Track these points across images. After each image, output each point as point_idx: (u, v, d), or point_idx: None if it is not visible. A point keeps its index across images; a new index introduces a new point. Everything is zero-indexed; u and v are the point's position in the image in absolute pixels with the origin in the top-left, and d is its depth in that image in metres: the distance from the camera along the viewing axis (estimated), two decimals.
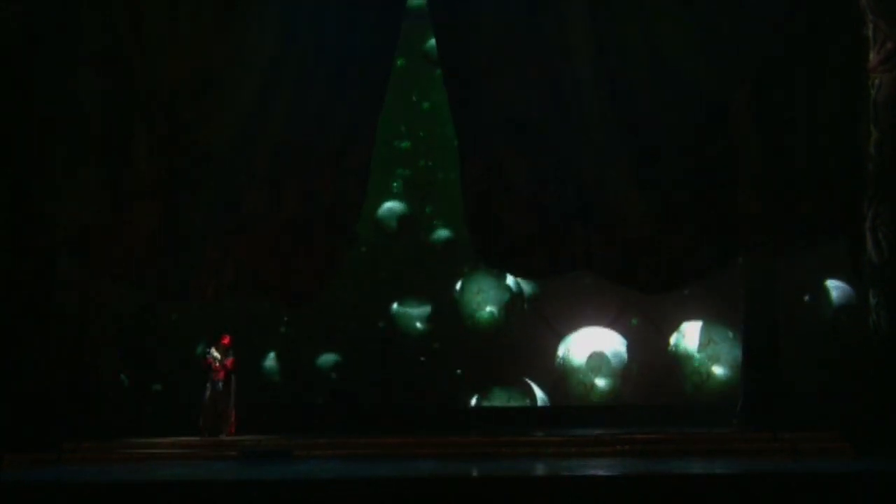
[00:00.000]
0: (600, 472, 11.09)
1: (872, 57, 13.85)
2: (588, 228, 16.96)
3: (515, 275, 18.54)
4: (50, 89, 15.71)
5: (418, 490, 9.94)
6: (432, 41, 18.50)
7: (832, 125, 14.93)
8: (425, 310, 19.54)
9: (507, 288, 19.52)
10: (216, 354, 16.24)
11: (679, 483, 10.08)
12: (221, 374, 16.17)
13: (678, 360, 18.69)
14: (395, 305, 19.56)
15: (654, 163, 16.88)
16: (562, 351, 18.93)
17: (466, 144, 17.66)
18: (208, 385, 16.16)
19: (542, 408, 18.70)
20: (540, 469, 11.69)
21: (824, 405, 14.45)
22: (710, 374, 18.48)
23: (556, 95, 17.48)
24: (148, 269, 16.59)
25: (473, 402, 19.00)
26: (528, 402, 18.92)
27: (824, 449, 13.43)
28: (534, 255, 17.33)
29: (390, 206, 19.78)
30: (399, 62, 18.92)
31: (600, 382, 18.68)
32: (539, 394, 18.86)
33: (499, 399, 18.97)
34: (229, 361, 16.28)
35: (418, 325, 19.50)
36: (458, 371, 19.01)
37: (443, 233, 19.76)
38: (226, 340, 16.42)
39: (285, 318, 19.53)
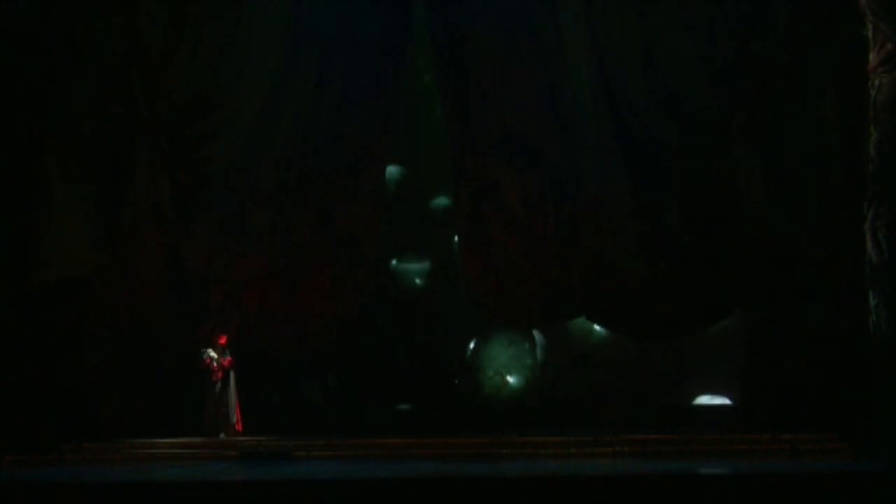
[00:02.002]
0: (600, 472, 11.09)
1: (872, 58, 13.84)
2: (583, 272, 16.92)
3: (511, 324, 18.27)
4: (46, 108, 15.45)
5: (418, 490, 9.94)
6: None
7: (834, 151, 15.03)
8: (425, 265, 19.46)
9: None
10: (213, 354, 16.20)
11: (679, 483, 10.08)
12: (220, 374, 16.14)
13: None
14: (394, 262, 19.45)
15: (652, 183, 16.94)
16: None
17: (461, 163, 17.63)
18: (207, 385, 16.12)
19: (542, 408, 18.67)
20: (540, 469, 11.69)
21: (824, 405, 14.44)
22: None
23: (554, 114, 17.49)
24: (149, 321, 16.51)
25: (472, 345, 18.97)
26: (527, 345, 18.88)
27: (824, 449, 13.45)
28: (527, 287, 17.25)
29: (389, 170, 19.63)
30: None
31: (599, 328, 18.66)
32: (538, 338, 18.88)
33: (499, 344, 18.91)
34: (227, 361, 16.25)
35: (417, 280, 19.42)
36: (456, 381, 18.94)
37: (442, 200, 19.61)
38: (222, 340, 16.37)
39: None
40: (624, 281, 16.98)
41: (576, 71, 17.47)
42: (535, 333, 18.93)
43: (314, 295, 17.67)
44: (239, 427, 16.08)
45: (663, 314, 16.87)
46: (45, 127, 15.45)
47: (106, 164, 16.11)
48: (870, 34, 13.86)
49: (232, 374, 16.23)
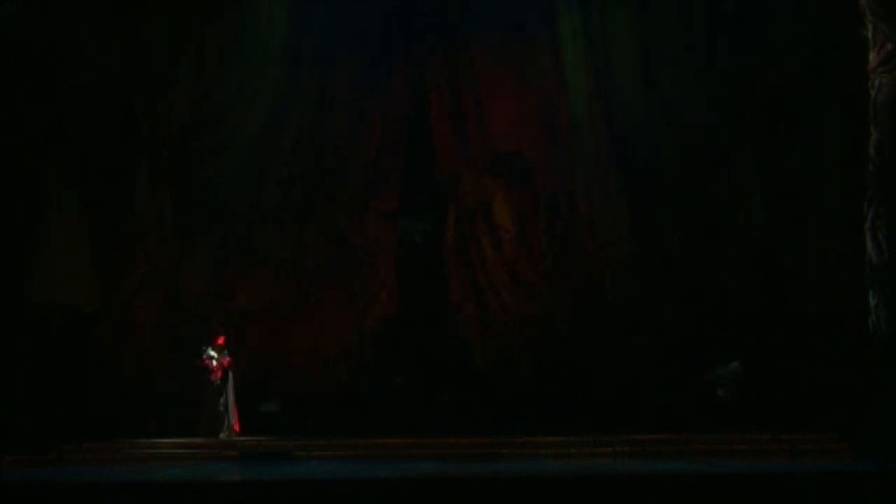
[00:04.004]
0: (600, 472, 11.10)
1: (872, 58, 13.83)
2: (571, 298, 16.76)
3: (488, 356, 17.65)
4: (42, 124, 15.27)
5: (418, 490, 9.93)
6: None
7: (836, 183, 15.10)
8: (426, 225, 19.35)
9: None
10: (213, 354, 16.19)
11: (679, 483, 10.07)
12: (219, 374, 16.13)
13: None
14: None
15: (649, 203, 16.91)
16: None
17: (454, 180, 17.52)
18: (206, 386, 16.11)
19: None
20: (540, 469, 11.68)
21: (824, 405, 14.46)
22: None
23: (550, 131, 17.44)
24: (149, 363, 16.45)
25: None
26: None
27: (824, 449, 13.47)
28: (507, 319, 17.16)
29: None
30: None
31: None
32: None
33: None
34: (226, 361, 16.23)
35: (417, 237, 19.31)
36: None
37: None
38: (220, 340, 16.34)
39: None
40: (615, 305, 16.91)
41: (574, 87, 17.44)
42: None
43: (328, 323, 17.49)
44: (237, 428, 16.08)
45: (655, 338, 16.79)
46: (41, 144, 15.30)
47: (105, 181, 16.07)
48: (870, 34, 13.85)
49: (231, 375, 16.23)
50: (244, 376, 16.55)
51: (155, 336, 16.68)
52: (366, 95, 17.65)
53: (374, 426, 16.24)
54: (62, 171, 15.67)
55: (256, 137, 17.44)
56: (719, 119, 16.54)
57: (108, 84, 16.14)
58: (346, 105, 17.67)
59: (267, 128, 17.42)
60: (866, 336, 13.60)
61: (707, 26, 16.60)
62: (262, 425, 16.42)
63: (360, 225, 17.59)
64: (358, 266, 17.56)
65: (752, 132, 16.34)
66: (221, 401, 16.05)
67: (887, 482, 9.73)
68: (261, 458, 13.94)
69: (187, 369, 16.36)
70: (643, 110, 17.01)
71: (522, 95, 17.55)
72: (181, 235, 17.12)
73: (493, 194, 17.52)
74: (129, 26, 16.26)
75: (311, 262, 17.51)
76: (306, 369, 17.37)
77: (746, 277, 16.43)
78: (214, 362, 16.14)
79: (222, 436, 15.81)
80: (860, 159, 13.91)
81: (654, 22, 16.95)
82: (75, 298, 15.68)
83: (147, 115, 16.58)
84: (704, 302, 16.66)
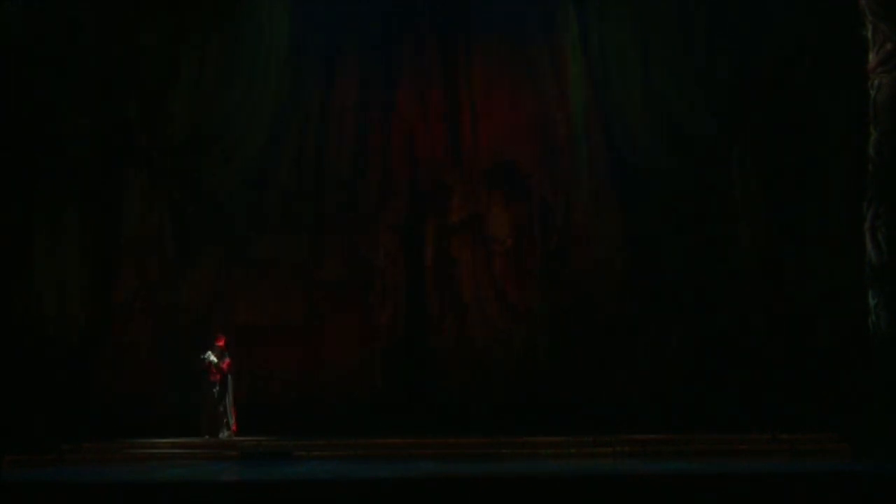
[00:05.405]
0: (600, 472, 11.10)
1: (871, 58, 13.85)
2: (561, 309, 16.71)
3: (464, 371, 17.55)
4: (38, 137, 15.15)
5: (418, 490, 9.93)
6: None
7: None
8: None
9: None
10: (213, 358, 16.16)
11: (679, 483, 10.08)
12: (218, 376, 16.11)
13: None
14: None
15: (646, 215, 16.88)
16: None
17: (447, 193, 17.48)
18: (206, 387, 16.09)
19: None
20: (540, 469, 11.68)
21: (824, 405, 14.46)
22: None
23: (547, 143, 17.42)
24: (148, 385, 16.36)
25: None
26: None
27: (824, 449, 13.48)
28: (485, 337, 17.06)
29: None
30: None
31: None
32: None
33: None
34: (225, 363, 16.21)
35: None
36: None
37: None
38: (220, 342, 16.31)
39: None
40: (606, 318, 16.87)
41: (572, 97, 17.43)
42: None
43: (336, 339, 17.42)
44: (234, 428, 16.08)
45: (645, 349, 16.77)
46: (37, 155, 15.17)
47: (102, 192, 16.04)
48: (869, 34, 13.86)
49: (230, 376, 16.21)
50: (249, 381, 16.53)
51: (154, 346, 16.66)
52: (368, 99, 17.62)
53: (374, 426, 16.26)
54: (58, 182, 15.60)
55: (259, 147, 17.38)
56: (719, 122, 16.53)
57: (106, 91, 16.08)
58: (347, 111, 17.64)
59: (270, 138, 17.36)
60: (866, 336, 13.62)
61: (706, 28, 16.59)
62: (263, 425, 16.42)
63: (367, 236, 17.55)
64: (366, 277, 17.51)
65: (752, 134, 16.33)
66: (221, 402, 16.03)
67: (887, 482, 9.74)
68: (261, 458, 13.94)
69: (186, 376, 16.34)
70: (641, 119, 16.98)
71: (520, 104, 17.56)
72: (182, 247, 17.07)
73: (488, 206, 17.48)
74: (128, 32, 16.19)
75: (318, 275, 17.47)
76: (312, 380, 17.32)
77: (746, 279, 16.41)
78: (213, 366, 16.11)
79: (222, 436, 15.80)
80: (860, 159, 13.92)
81: (653, 24, 16.93)
82: (72, 310, 15.65)
83: (144, 128, 16.51)
84: (704, 305, 16.64)
